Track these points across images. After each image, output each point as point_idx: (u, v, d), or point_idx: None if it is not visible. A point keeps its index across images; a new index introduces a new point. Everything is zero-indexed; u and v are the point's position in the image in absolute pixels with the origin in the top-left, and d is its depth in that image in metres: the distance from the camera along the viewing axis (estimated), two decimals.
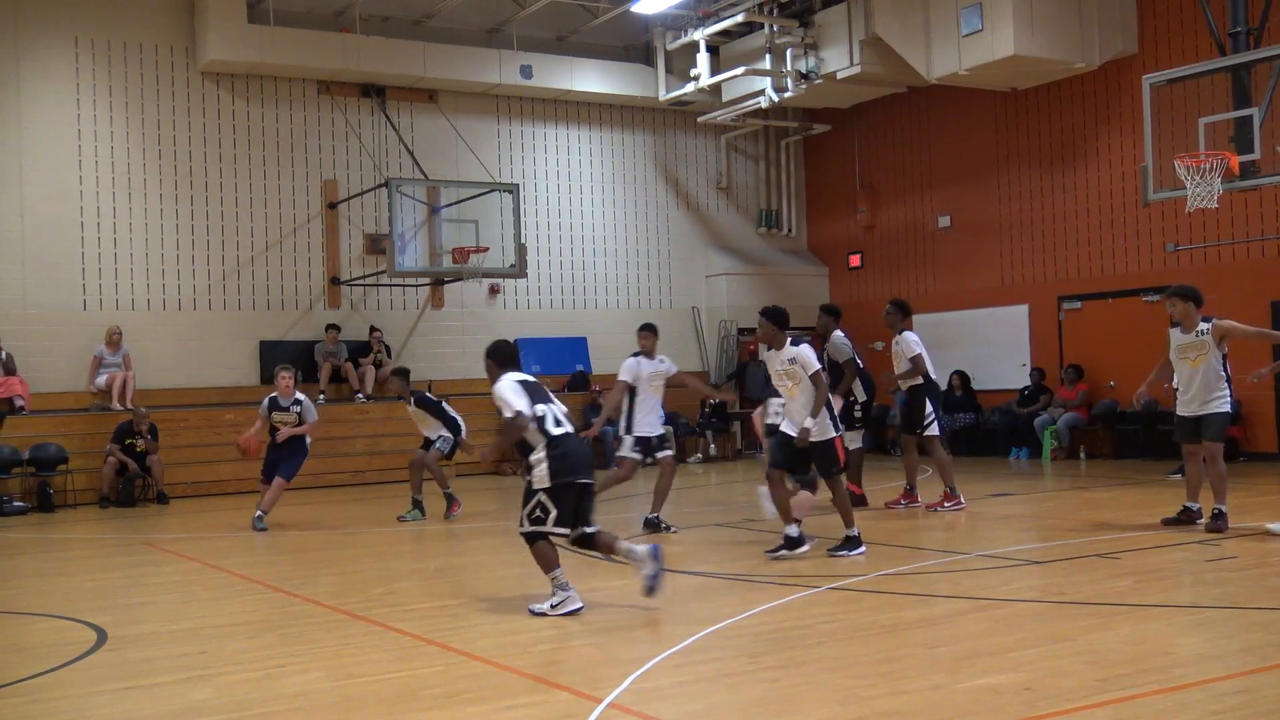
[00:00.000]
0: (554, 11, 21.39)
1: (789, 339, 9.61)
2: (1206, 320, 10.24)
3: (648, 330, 11.77)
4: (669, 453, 12.04)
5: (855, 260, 23.73)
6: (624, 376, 11.57)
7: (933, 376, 12.67)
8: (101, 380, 17.84)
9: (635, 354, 11.64)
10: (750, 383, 22.61)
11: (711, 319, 23.57)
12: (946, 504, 12.38)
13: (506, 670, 6.12)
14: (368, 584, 9.19)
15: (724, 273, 23.53)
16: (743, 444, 22.88)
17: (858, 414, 12.72)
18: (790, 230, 24.72)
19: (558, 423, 7.61)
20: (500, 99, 21.94)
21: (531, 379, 7.83)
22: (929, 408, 12.45)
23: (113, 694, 5.98)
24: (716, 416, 22.04)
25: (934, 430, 12.47)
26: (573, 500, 7.52)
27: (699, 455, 21.60)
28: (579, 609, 7.40)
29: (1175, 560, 8.99)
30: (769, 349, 9.83)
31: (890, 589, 8.06)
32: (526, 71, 21.41)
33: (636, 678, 5.79)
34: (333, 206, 20.46)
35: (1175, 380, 15.18)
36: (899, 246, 22.88)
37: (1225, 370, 10.22)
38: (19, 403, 16.91)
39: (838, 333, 12.89)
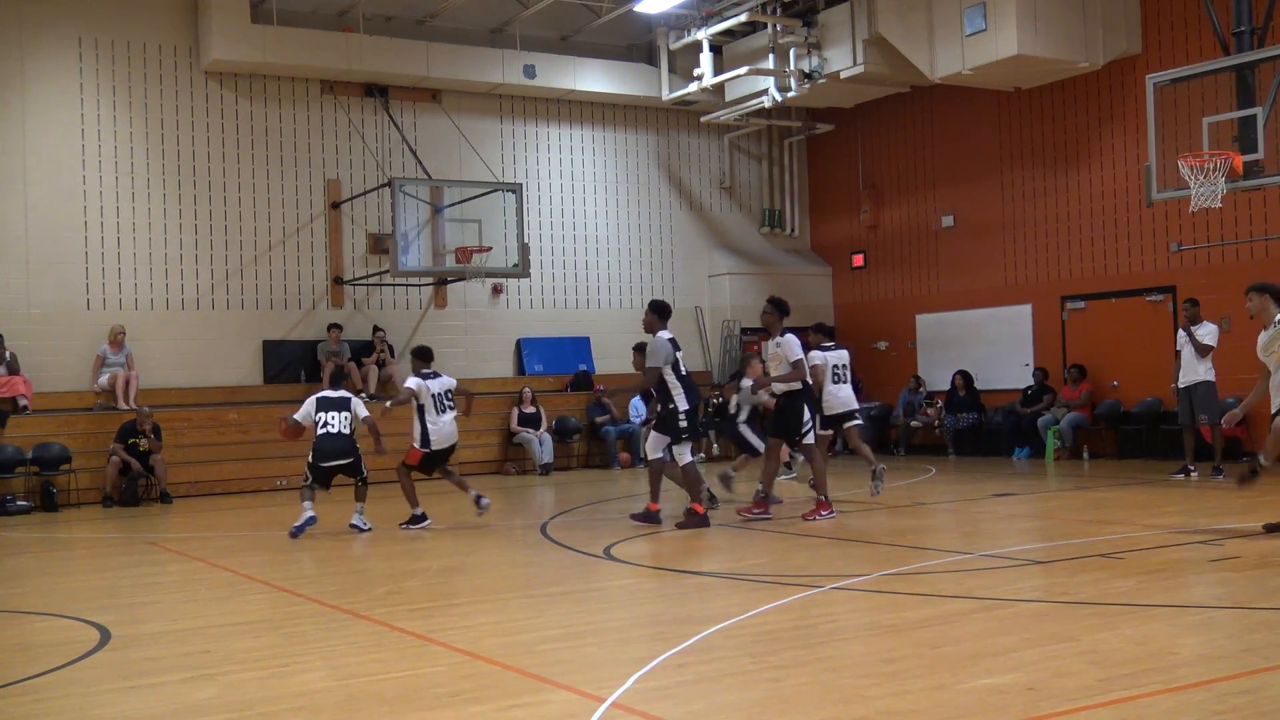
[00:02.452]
0: (557, 11, 21.40)
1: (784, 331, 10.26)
2: None
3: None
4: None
5: (858, 260, 23.73)
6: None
7: (809, 382, 12.10)
8: (104, 380, 17.86)
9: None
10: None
11: (714, 319, 23.57)
12: (822, 513, 11.87)
13: (510, 670, 6.12)
14: (371, 583, 9.20)
15: (727, 272, 23.53)
16: None
17: (683, 424, 11.60)
18: (793, 230, 24.71)
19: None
20: (503, 99, 21.95)
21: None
22: (807, 414, 11.89)
23: (116, 693, 5.99)
24: (720, 416, 22.02)
25: (811, 438, 12.02)
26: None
27: (701, 454, 21.58)
28: None
29: (1178, 560, 8.98)
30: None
31: (893, 589, 8.06)
32: (530, 71, 21.42)
33: (639, 677, 5.79)
34: (336, 206, 20.47)
35: (1179, 380, 15.22)
36: (902, 246, 22.88)
37: None
38: (22, 402, 16.94)
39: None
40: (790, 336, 11.89)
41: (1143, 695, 5.24)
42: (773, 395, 12.08)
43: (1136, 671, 5.63)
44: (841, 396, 13.29)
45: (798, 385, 11.84)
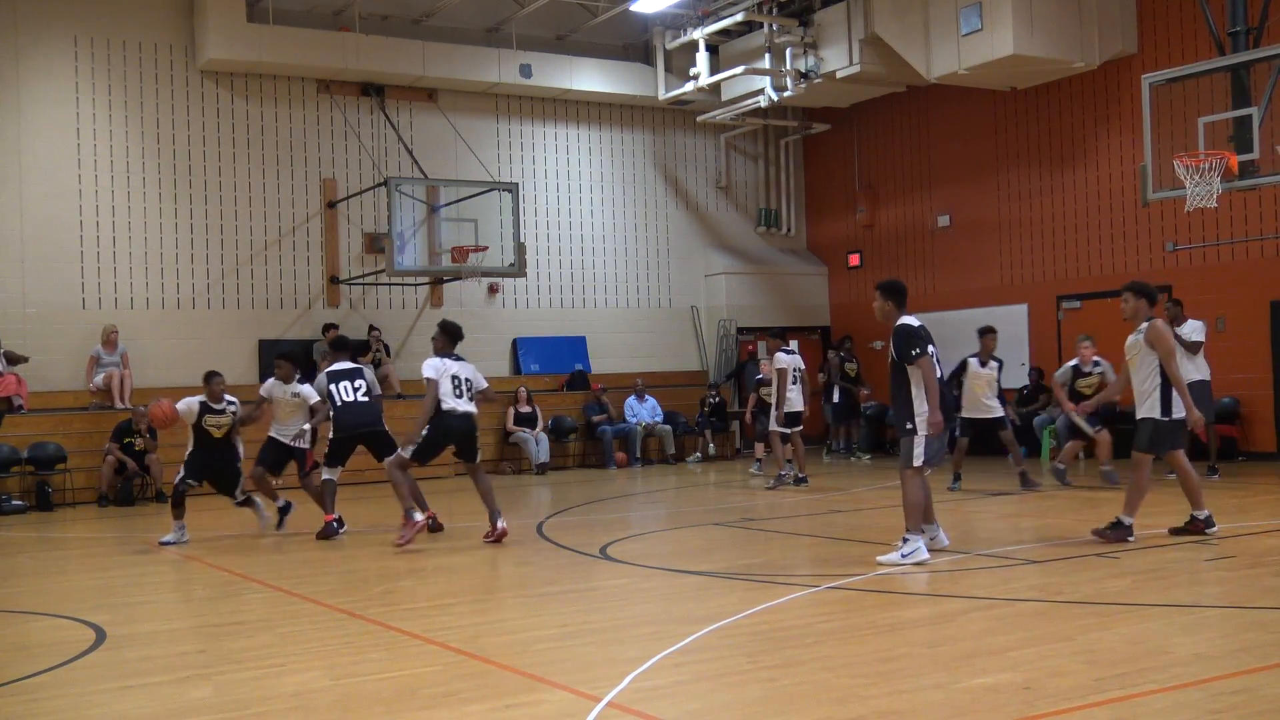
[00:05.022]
0: (553, 10, 21.39)
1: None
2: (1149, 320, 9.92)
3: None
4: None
5: (854, 259, 23.74)
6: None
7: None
8: (100, 379, 17.85)
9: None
10: (750, 383, 22.63)
11: (711, 318, 23.57)
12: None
13: (505, 669, 6.12)
14: (366, 583, 9.19)
15: (723, 272, 23.53)
16: (741, 443, 22.89)
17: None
18: (789, 229, 24.72)
19: None
20: (499, 98, 21.95)
21: None
22: (425, 431, 10.89)
23: (111, 693, 5.98)
24: (716, 415, 22.05)
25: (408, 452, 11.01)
26: None
27: (698, 454, 21.61)
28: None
29: (1173, 560, 8.99)
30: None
31: (889, 588, 8.06)
32: (526, 70, 21.42)
33: (635, 677, 5.79)
34: (332, 205, 20.46)
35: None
36: (898, 246, 22.89)
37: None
38: (17, 402, 16.90)
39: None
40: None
41: (1138, 694, 5.24)
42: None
43: (1132, 671, 5.64)
44: (794, 398, 15.24)
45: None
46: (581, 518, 13.25)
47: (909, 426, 9.02)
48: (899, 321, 9.14)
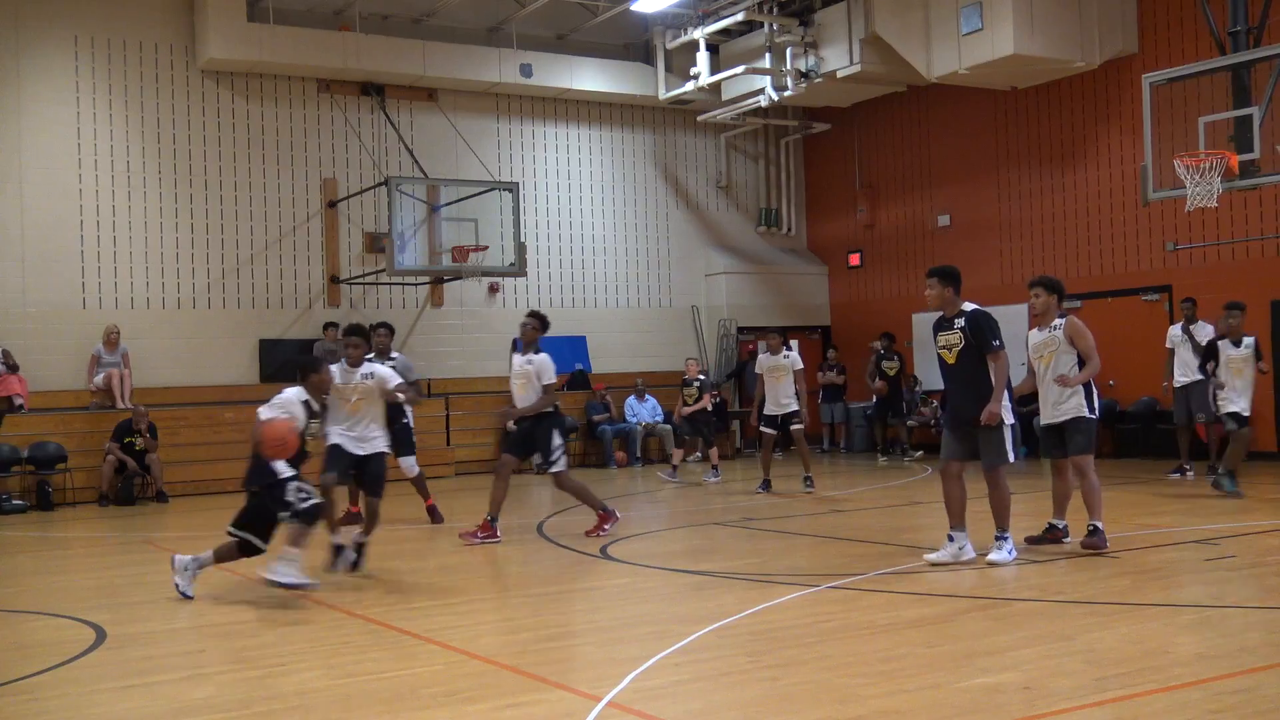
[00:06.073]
0: (554, 10, 21.39)
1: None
2: (1063, 316, 9.42)
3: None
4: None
5: (855, 259, 23.74)
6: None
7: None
8: (100, 379, 17.85)
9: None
10: (750, 381, 22.63)
11: (711, 318, 23.56)
12: (604, 528, 11.20)
13: (506, 669, 6.12)
14: (367, 582, 9.19)
15: (724, 271, 23.53)
16: (741, 443, 22.89)
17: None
18: (790, 229, 24.72)
19: None
20: (500, 97, 21.94)
21: None
22: (557, 439, 11.03)
23: (112, 692, 5.99)
24: (717, 415, 22.03)
25: (562, 465, 11.02)
26: None
27: (698, 454, 21.58)
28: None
29: (1174, 559, 9.00)
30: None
31: (889, 588, 8.07)
32: (526, 70, 21.42)
33: (636, 676, 5.80)
34: (332, 205, 20.46)
35: (1175, 379, 15.21)
36: (898, 245, 22.89)
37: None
38: (18, 401, 16.91)
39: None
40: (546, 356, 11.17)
41: (1138, 694, 5.25)
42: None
43: (1132, 671, 5.64)
44: (774, 399, 14.96)
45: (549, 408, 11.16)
46: (582, 517, 13.22)
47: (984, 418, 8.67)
48: (976, 309, 8.87)
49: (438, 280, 20.91)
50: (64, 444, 16.73)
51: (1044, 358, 9.41)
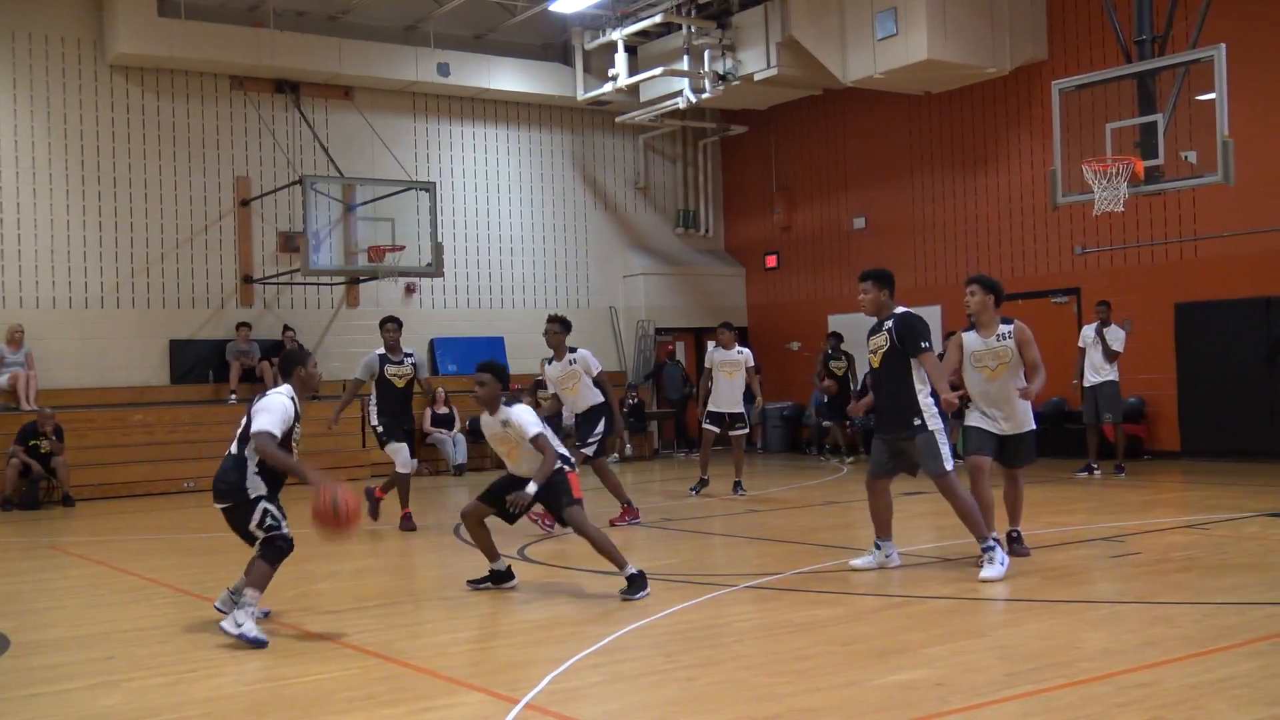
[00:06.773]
0: (472, 9, 21.27)
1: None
2: (1007, 322, 8.95)
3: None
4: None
5: (771, 261, 23.91)
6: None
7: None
8: (3, 380, 17.43)
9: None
10: (668, 383, 22.71)
11: (629, 319, 23.60)
12: (626, 518, 11.93)
13: (422, 672, 6.08)
14: (283, 586, 9.05)
15: (641, 273, 23.58)
16: (659, 444, 22.94)
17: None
18: (707, 231, 24.84)
19: None
20: (417, 96, 21.79)
21: None
22: (601, 428, 11.68)
23: (19, 701, 5.85)
24: (634, 416, 22.08)
25: (591, 450, 11.63)
26: None
27: (615, 455, 21.61)
28: None
29: (1082, 557, 9.18)
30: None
31: (805, 587, 8.13)
32: (444, 69, 21.29)
33: (554, 678, 5.79)
34: (245, 204, 20.16)
35: (1084, 379, 15.51)
36: (814, 247, 23.09)
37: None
38: None
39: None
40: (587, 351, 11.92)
41: (1048, 689, 5.35)
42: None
43: (1042, 666, 5.75)
44: (719, 398, 14.58)
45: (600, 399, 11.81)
46: (499, 520, 13.18)
47: (916, 423, 8.43)
48: (907, 311, 8.55)
49: (353, 280, 20.70)
50: None
51: (992, 370, 8.96)
